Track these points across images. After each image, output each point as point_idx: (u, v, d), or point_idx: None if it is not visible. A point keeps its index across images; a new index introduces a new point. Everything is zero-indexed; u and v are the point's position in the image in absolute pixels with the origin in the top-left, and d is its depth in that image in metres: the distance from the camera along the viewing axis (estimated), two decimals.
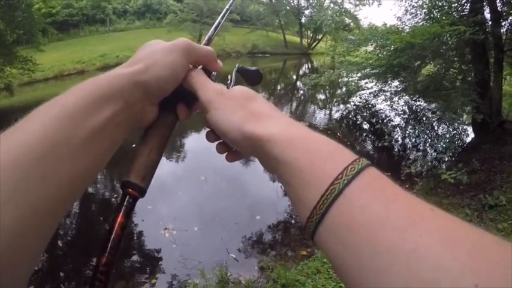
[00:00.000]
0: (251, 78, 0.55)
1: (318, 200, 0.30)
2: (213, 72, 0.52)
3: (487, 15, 6.70)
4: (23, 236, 0.29)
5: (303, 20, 31.30)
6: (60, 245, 4.62)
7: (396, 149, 8.02)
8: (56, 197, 0.32)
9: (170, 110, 0.48)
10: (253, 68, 0.55)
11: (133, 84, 0.40)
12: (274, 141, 0.36)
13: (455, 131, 7.36)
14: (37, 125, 0.32)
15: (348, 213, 0.29)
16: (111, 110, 0.37)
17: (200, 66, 0.50)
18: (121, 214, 0.39)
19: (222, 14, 0.64)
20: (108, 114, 0.37)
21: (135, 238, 4.73)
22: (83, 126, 0.34)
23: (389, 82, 8.38)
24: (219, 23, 0.62)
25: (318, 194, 0.30)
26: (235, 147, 0.44)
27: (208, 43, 0.56)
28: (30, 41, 13.97)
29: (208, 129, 0.48)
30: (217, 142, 0.49)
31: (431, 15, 7.44)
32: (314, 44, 31.49)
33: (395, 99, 8.72)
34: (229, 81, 0.51)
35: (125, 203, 0.40)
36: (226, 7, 0.67)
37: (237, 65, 0.54)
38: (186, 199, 5.59)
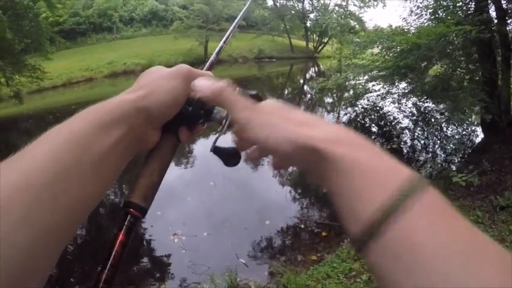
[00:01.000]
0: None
1: (377, 214, 0.29)
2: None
3: (493, 14, 6.66)
4: (35, 255, 0.31)
5: (308, 23, 31.36)
6: (71, 250, 4.64)
7: (405, 151, 7.96)
8: (66, 217, 0.33)
9: (172, 132, 0.49)
10: (253, 92, 0.52)
11: (136, 109, 0.42)
12: (331, 150, 0.34)
13: (464, 132, 7.30)
14: (47, 149, 0.34)
15: (408, 231, 0.28)
16: (117, 135, 0.39)
17: None
18: (122, 232, 0.41)
19: (224, 38, 0.66)
20: (114, 139, 0.39)
21: (144, 244, 4.74)
22: (91, 151, 0.36)
23: (397, 84, 8.33)
24: (221, 48, 0.64)
25: (377, 207, 0.29)
26: (283, 160, 0.41)
27: (210, 68, 0.57)
28: (38, 49, 14.17)
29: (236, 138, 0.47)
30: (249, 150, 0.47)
31: (437, 16, 7.40)
32: (320, 47, 31.50)
33: (403, 101, 8.66)
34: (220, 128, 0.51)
35: (126, 222, 0.42)
36: (228, 31, 0.68)
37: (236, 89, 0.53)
38: (195, 204, 5.60)
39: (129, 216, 0.42)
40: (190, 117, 0.49)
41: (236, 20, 0.69)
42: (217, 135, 0.51)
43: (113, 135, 0.38)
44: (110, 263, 0.38)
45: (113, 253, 0.39)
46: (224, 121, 0.51)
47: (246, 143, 0.46)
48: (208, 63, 0.58)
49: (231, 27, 0.67)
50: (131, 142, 0.42)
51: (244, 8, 0.72)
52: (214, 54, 0.61)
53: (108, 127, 0.38)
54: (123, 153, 0.41)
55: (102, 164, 0.37)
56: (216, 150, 0.50)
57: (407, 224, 0.28)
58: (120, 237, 0.40)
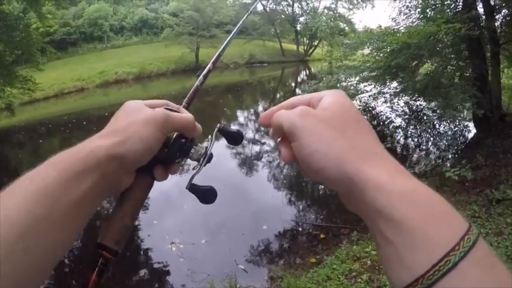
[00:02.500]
0: (232, 139, 0.54)
1: (428, 268, 0.28)
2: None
3: (481, 10, 6.72)
4: None
5: (299, 27, 31.53)
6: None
7: (399, 150, 8.00)
8: (38, 266, 0.34)
9: (147, 172, 0.48)
10: (235, 129, 0.54)
11: (110, 157, 0.40)
12: (382, 191, 0.32)
13: (456, 128, 7.35)
14: (19, 199, 0.33)
15: None
16: (89, 184, 0.38)
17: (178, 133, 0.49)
18: (95, 274, 0.42)
19: (204, 72, 0.60)
20: (86, 188, 0.38)
21: (142, 254, 4.71)
22: (63, 202, 0.35)
23: (388, 84, 8.38)
24: (205, 76, 0.59)
25: (428, 262, 0.28)
26: (320, 179, 0.37)
27: (189, 103, 0.55)
28: (29, 60, 14.12)
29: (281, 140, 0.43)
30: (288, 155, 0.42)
31: (425, 15, 7.47)
32: (311, 50, 31.67)
33: (395, 100, 8.72)
34: (209, 142, 0.51)
35: (99, 264, 0.42)
36: (214, 57, 0.62)
37: (218, 125, 0.53)
38: (192, 212, 5.57)
39: (101, 258, 0.43)
40: (166, 158, 0.48)
41: (219, 51, 0.64)
42: (193, 173, 0.50)
43: (85, 184, 0.38)
44: None
45: None
46: (202, 160, 0.51)
47: (287, 144, 0.41)
48: (186, 100, 0.56)
49: (213, 58, 0.61)
50: (104, 188, 0.41)
51: (228, 39, 0.66)
52: (195, 86, 0.58)
53: (81, 176, 0.37)
54: (95, 199, 0.40)
55: (74, 213, 0.37)
56: (192, 188, 0.50)
57: (457, 280, 0.27)
58: (94, 278, 0.41)
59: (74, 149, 0.40)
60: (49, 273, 0.36)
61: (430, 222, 0.30)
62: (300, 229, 4.96)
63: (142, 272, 4.37)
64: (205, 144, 0.52)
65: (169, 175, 0.51)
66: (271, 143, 8.72)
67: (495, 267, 0.28)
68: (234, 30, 0.70)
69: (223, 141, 0.53)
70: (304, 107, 0.39)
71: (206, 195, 0.51)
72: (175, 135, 0.49)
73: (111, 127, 0.44)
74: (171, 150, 0.48)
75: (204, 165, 0.51)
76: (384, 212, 0.31)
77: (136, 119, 0.44)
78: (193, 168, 0.51)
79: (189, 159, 0.51)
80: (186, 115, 0.49)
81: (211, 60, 0.61)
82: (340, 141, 0.36)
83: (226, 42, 0.65)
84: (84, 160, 0.38)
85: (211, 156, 0.52)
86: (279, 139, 0.43)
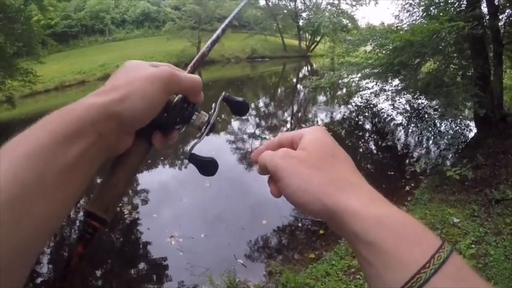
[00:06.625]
0: (237, 109, 0.52)
1: (401, 286, 0.31)
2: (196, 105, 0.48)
3: (484, 9, 6.68)
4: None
5: (301, 22, 31.39)
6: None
7: (399, 148, 8.00)
8: (31, 238, 0.31)
9: (144, 137, 0.45)
10: (240, 99, 0.51)
11: (107, 115, 0.37)
12: (358, 218, 0.35)
13: (458, 127, 7.32)
14: (6, 165, 0.30)
15: None
16: (83, 145, 0.35)
17: (181, 96, 0.47)
18: (81, 245, 0.40)
19: (214, 37, 0.57)
20: (80, 150, 0.35)
21: (141, 247, 4.72)
22: (55, 165, 0.32)
23: (390, 81, 8.36)
24: (209, 48, 0.56)
25: (402, 279, 0.31)
26: (305, 212, 0.41)
27: (194, 70, 0.52)
28: (30, 53, 14.07)
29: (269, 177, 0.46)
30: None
31: (429, 13, 7.43)
32: (313, 46, 31.55)
33: (397, 98, 8.70)
34: (212, 111, 0.49)
35: (86, 233, 0.40)
36: (219, 29, 0.58)
37: (223, 93, 0.50)
38: (191, 206, 5.58)
39: (89, 227, 0.40)
40: (165, 122, 0.45)
41: (227, 20, 0.60)
42: (194, 141, 0.48)
43: (80, 145, 0.35)
44: (66, 274, 0.39)
45: (70, 264, 0.39)
46: (204, 128, 0.48)
47: (274, 182, 0.44)
48: (192, 64, 0.52)
49: (222, 25, 0.58)
50: (101, 150, 0.38)
51: (238, 8, 0.65)
52: (201, 52, 0.55)
53: (74, 136, 0.34)
54: (92, 162, 0.37)
55: (69, 177, 0.34)
56: (192, 158, 0.48)
57: None
58: (79, 249, 0.39)
59: (68, 108, 0.37)
60: (43, 245, 0.34)
61: (402, 244, 0.32)
62: (299, 225, 4.97)
63: (142, 265, 4.39)
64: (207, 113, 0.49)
65: (169, 142, 0.49)
66: (271, 138, 8.70)
67: (468, 280, 0.30)
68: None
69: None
70: (285, 149, 0.44)
71: (207, 166, 0.48)
72: (176, 98, 0.46)
73: (112, 82, 0.42)
74: (171, 114, 0.45)
75: (207, 135, 0.49)
76: (361, 237, 0.35)
77: (139, 75, 0.42)
78: (195, 137, 0.49)
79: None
80: (193, 75, 0.47)
81: (221, 27, 0.58)
82: (318, 177, 0.39)
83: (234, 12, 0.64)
84: (79, 119, 0.35)
85: (214, 125, 0.49)
86: (267, 176, 0.46)
